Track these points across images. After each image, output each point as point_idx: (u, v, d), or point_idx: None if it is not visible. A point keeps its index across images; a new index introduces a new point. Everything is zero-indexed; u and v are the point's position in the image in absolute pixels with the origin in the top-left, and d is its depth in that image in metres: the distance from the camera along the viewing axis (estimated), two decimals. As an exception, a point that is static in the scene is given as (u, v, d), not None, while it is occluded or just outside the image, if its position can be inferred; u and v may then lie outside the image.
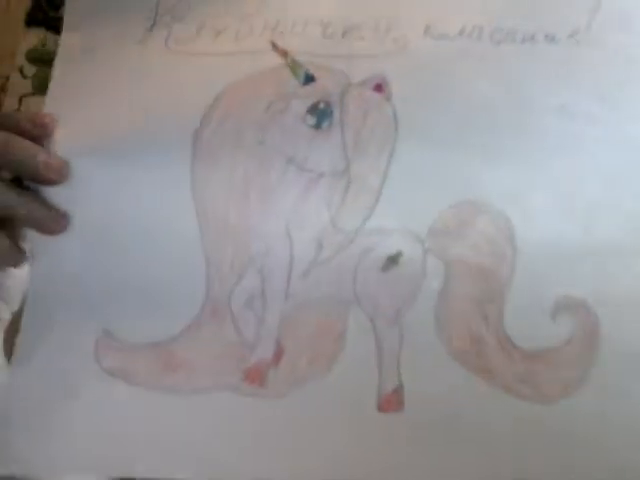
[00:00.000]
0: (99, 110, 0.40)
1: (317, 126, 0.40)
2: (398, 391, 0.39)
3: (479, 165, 0.40)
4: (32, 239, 0.39)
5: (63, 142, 0.39)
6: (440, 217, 0.40)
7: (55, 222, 0.39)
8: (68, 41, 0.41)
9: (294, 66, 0.40)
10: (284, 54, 0.40)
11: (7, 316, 0.43)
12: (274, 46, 0.41)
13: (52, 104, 0.40)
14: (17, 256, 0.39)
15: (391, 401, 0.39)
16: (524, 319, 0.39)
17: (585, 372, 0.39)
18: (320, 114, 0.40)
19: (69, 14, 0.42)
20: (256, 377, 0.39)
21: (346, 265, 0.40)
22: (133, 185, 0.40)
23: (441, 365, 0.39)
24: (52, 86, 0.40)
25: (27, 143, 0.37)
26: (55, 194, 0.39)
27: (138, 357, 0.40)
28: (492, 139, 0.40)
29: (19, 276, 0.41)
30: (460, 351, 0.39)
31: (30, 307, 0.40)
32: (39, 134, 0.38)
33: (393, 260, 0.40)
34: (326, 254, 0.40)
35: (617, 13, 0.41)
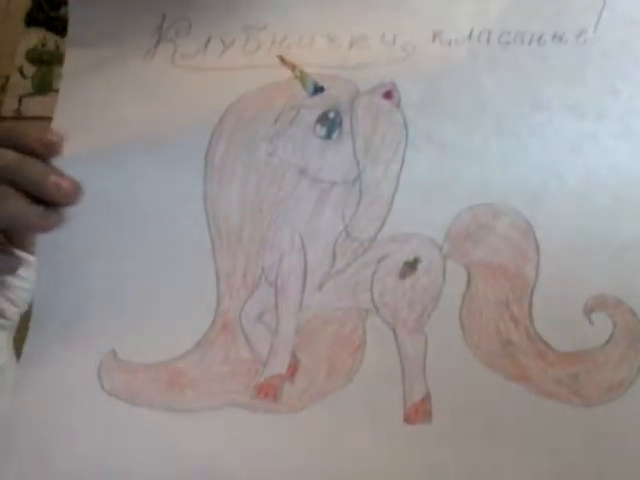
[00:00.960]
0: (108, 126, 0.40)
1: (327, 136, 0.40)
2: (426, 400, 0.37)
3: (493, 168, 0.40)
4: (39, 253, 0.39)
5: (72, 158, 0.39)
6: (457, 221, 0.39)
7: (45, 219, 0.38)
8: (73, 57, 0.42)
9: (302, 77, 0.40)
10: (292, 67, 0.41)
11: (16, 317, 0.43)
12: (282, 60, 0.41)
13: (60, 120, 0.40)
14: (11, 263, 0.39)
15: (418, 411, 0.37)
16: (557, 320, 0.38)
17: (633, 372, 0.37)
18: (330, 124, 0.40)
19: (73, 29, 0.42)
20: (269, 392, 0.38)
21: (362, 274, 0.39)
22: (144, 200, 0.40)
23: (471, 371, 0.37)
24: (60, 102, 0.41)
25: (39, 164, 0.37)
26: (66, 209, 0.39)
27: (143, 377, 0.38)
28: (504, 141, 0.40)
29: (27, 277, 0.41)
30: (490, 355, 0.37)
31: (35, 323, 0.39)
32: (47, 153, 0.38)
33: (411, 266, 0.39)
34: (341, 264, 0.39)
35: (622, 8, 0.40)
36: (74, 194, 0.38)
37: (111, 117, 0.41)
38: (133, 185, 0.40)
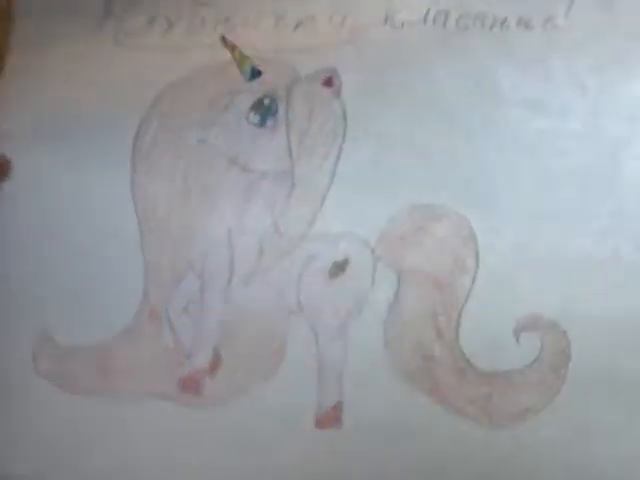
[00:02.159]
0: (44, 104, 0.39)
1: (261, 124, 0.38)
2: (337, 408, 0.36)
3: (439, 166, 0.37)
4: None
5: (5, 134, 0.38)
6: (393, 222, 0.37)
7: None
8: (21, 28, 0.41)
9: (241, 60, 0.38)
10: (232, 48, 0.38)
11: None
12: (223, 40, 0.39)
13: (5, 88, 0.40)
14: None
15: (330, 417, 0.35)
16: (484, 337, 0.35)
17: (548, 397, 0.34)
18: (264, 111, 0.38)
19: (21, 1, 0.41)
20: (192, 386, 0.37)
21: (290, 272, 0.37)
22: (75, 183, 0.39)
23: (387, 382, 0.35)
24: (6, 71, 0.40)
25: None
26: None
27: (75, 360, 0.38)
28: (452, 137, 0.36)
29: None
30: (409, 367, 0.35)
31: None
32: None
33: (339, 267, 0.37)
34: (269, 260, 0.38)
35: None
36: (4, 169, 0.38)
37: (48, 94, 0.40)
38: (64, 169, 0.39)
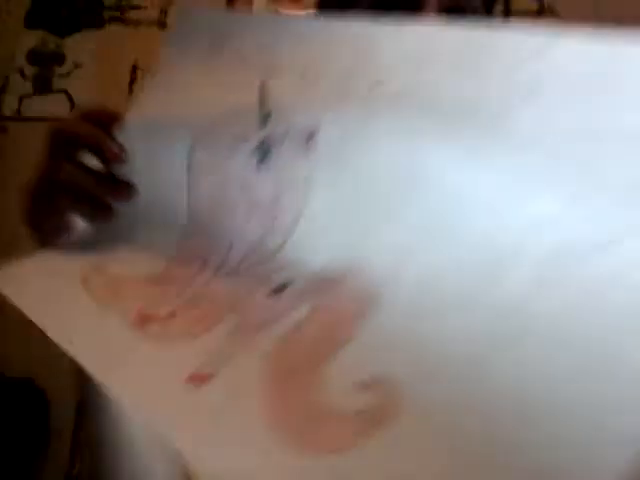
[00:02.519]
0: (155, 104, 0.55)
1: (260, 161, 0.48)
2: (208, 376, 0.42)
3: (371, 228, 0.42)
4: None
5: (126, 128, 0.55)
6: (323, 266, 0.44)
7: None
8: (166, 54, 0.57)
9: (262, 107, 0.48)
10: (263, 97, 0.48)
11: None
12: (262, 86, 0.49)
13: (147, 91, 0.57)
14: None
15: (197, 378, 0.42)
16: (343, 379, 0.39)
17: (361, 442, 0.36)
18: (262, 151, 0.47)
19: (176, 35, 0.57)
20: (143, 321, 0.48)
21: (251, 280, 0.47)
22: (157, 168, 0.54)
23: (247, 379, 0.41)
24: (146, 84, 0.58)
25: (100, 134, 0.55)
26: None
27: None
28: (390, 199, 0.42)
29: None
30: (273, 372, 0.41)
31: None
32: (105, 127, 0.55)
33: (280, 287, 0.46)
34: (247, 265, 0.48)
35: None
36: (120, 157, 0.55)
37: (156, 103, 0.56)
38: (150, 153, 0.55)
